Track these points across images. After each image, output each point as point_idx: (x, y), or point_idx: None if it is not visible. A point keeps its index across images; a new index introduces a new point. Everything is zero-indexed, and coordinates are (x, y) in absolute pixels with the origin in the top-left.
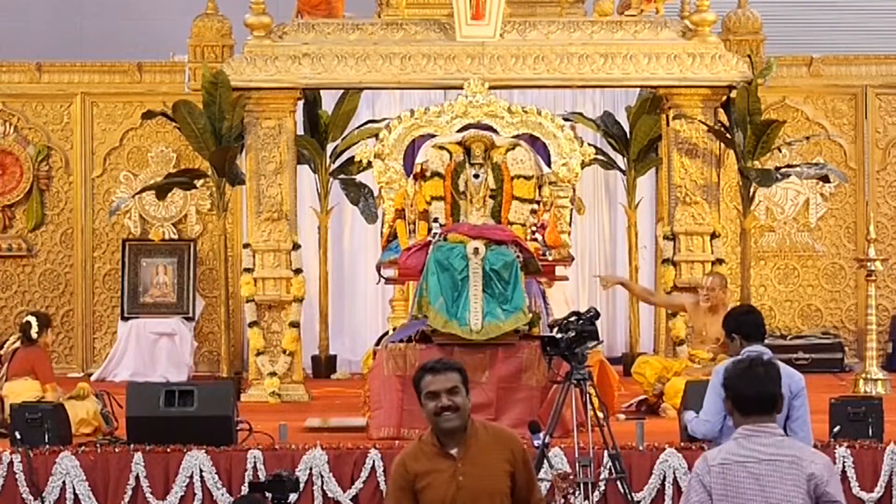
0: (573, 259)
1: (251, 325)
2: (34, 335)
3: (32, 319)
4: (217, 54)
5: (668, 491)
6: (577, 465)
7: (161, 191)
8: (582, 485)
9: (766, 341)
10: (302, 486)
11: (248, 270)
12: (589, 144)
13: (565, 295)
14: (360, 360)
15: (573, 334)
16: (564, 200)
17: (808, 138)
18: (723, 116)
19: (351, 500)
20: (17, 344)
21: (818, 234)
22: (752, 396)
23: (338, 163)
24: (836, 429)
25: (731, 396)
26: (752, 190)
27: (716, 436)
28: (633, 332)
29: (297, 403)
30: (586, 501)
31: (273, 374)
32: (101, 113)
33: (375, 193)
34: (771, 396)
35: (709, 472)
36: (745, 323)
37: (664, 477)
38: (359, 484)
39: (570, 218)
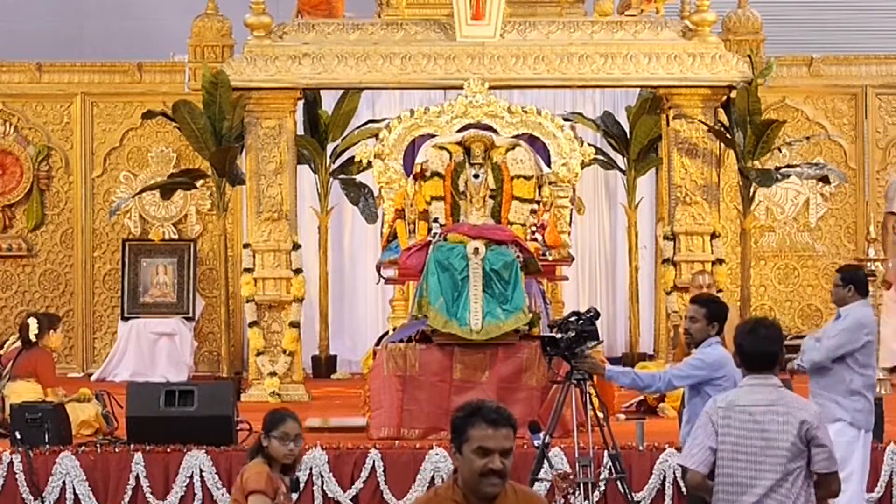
0: (573, 259)
1: (251, 325)
2: (32, 337)
3: (32, 321)
4: (217, 54)
5: (668, 491)
6: (577, 465)
7: (165, 190)
8: (582, 485)
9: None
10: (302, 486)
11: (248, 270)
12: (589, 144)
13: None
14: (360, 360)
15: (573, 334)
16: (564, 200)
17: (808, 138)
18: (723, 116)
19: (351, 500)
20: (18, 343)
21: (818, 234)
22: (755, 354)
23: (338, 163)
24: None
25: (738, 353)
26: (752, 190)
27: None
28: (633, 332)
29: (297, 403)
30: (586, 501)
31: (273, 374)
32: (101, 113)
33: (375, 193)
34: (772, 354)
35: (716, 412)
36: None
37: (664, 477)
38: (359, 484)
39: (570, 218)
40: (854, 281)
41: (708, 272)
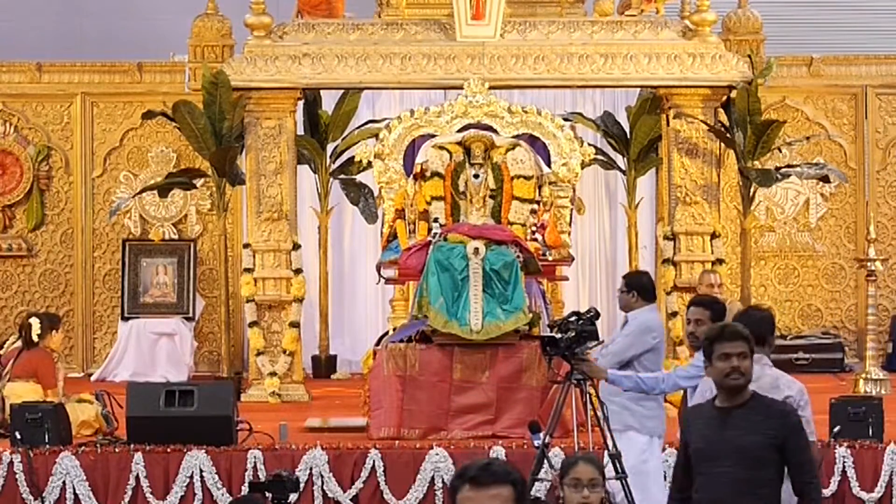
0: (573, 259)
1: (251, 325)
2: (35, 337)
3: (34, 321)
4: (217, 54)
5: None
6: None
7: (163, 190)
8: None
9: None
10: (302, 486)
11: (248, 270)
12: (589, 144)
13: None
14: (360, 360)
15: (573, 334)
16: (564, 200)
17: (808, 138)
18: (723, 116)
19: (351, 500)
20: (18, 343)
21: (818, 234)
22: None
23: (338, 163)
24: (837, 429)
25: None
26: (752, 190)
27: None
28: None
29: (297, 403)
30: None
31: (273, 374)
32: (101, 113)
33: (375, 193)
34: (760, 337)
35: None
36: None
37: (664, 477)
38: (359, 484)
39: (570, 218)
40: (638, 287)
41: (716, 271)
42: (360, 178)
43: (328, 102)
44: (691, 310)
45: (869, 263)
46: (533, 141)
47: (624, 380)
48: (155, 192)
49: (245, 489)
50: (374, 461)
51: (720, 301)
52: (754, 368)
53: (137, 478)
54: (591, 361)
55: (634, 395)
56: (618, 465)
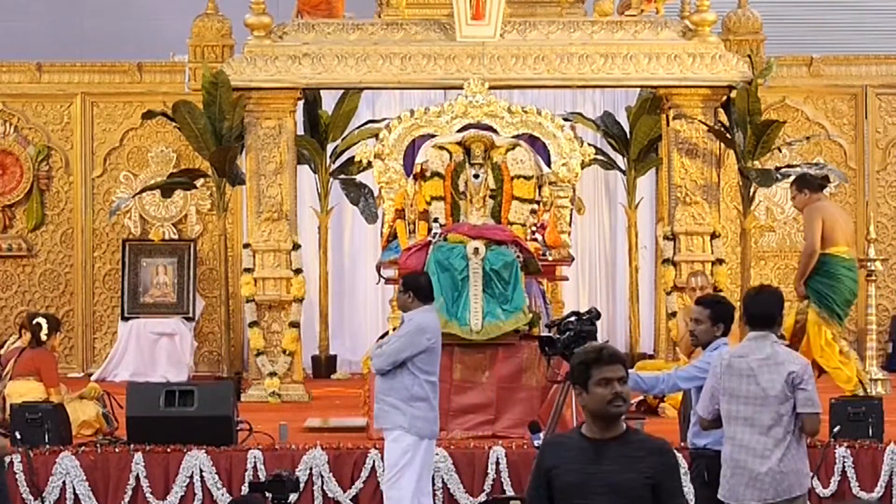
0: (573, 259)
1: (251, 325)
2: (44, 337)
3: (43, 321)
4: (217, 54)
5: None
6: None
7: (165, 190)
8: None
9: None
10: (302, 486)
11: (248, 270)
12: (589, 144)
13: None
14: (360, 360)
15: (571, 334)
16: (564, 200)
17: (808, 138)
18: (723, 116)
19: (351, 500)
20: (19, 343)
21: None
22: (757, 314)
23: (338, 163)
24: (836, 429)
25: (744, 313)
26: (752, 190)
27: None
28: (633, 332)
29: (297, 403)
30: None
31: (273, 374)
32: (101, 113)
33: (375, 193)
34: (771, 315)
35: (720, 364)
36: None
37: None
38: (359, 484)
39: (570, 218)
40: (414, 287)
41: (703, 273)
42: (360, 178)
43: (328, 102)
44: (693, 309)
45: (869, 263)
46: (533, 141)
47: None
48: (155, 192)
49: (245, 489)
50: (374, 461)
51: (723, 301)
52: (763, 345)
53: (137, 478)
54: None
55: (406, 396)
56: None
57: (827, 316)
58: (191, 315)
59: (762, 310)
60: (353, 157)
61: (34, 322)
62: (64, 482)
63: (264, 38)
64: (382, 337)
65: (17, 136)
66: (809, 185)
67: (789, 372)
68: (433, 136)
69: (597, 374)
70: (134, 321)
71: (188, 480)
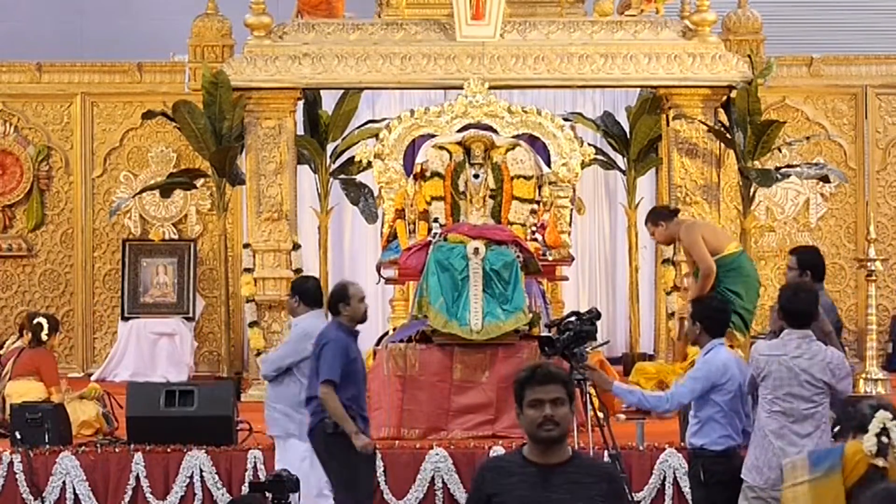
0: (573, 259)
1: (251, 325)
2: (44, 337)
3: (44, 321)
4: (217, 54)
5: (668, 491)
6: None
7: (165, 190)
8: None
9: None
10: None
11: (248, 270)
12: (589, 144)
13: None
14: None
15: (571, 334)
16: (564, 200)
17: (808, 138)
18: (723, 116)
19: None
20: (19, 343)
21: (818, 234)
22: (794, 312)
23: (338, 163)
24: (837, 429)
25: (781, 310)
26: (752, 190)
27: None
28: (634, 332)
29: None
30: None
31: None
32: (101, 113)
33: (375, 193)
34: (808, 313)
35: (757, 359)
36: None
37: (664, 477)
38: None
39: (570, 218)
40: (300, 291)
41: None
42: (360, 178)
43: (328, 102)
44: (691, 308)
45: (869, 263)
46: (533, 141)
47: (627, 395)
48: (155, 192)
49: (245, 489)
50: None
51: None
52: (801, 344)
53: (137, 478)
54: (597, 369)
55: (294, 402)
56: (618, 465)
57: (733, 327)
58: (191, 315)
59: (799, 308)
60: (353, 157)
61: (35, 322)
62: (64, 482)
63: (264, 38)
64: (383, 337)
65: (17, 136)
66: (662, 216)
67: (827, 363)
68: (433, 136)
69: (529, 395)
70: (134, 321)
71: (188, 480)
